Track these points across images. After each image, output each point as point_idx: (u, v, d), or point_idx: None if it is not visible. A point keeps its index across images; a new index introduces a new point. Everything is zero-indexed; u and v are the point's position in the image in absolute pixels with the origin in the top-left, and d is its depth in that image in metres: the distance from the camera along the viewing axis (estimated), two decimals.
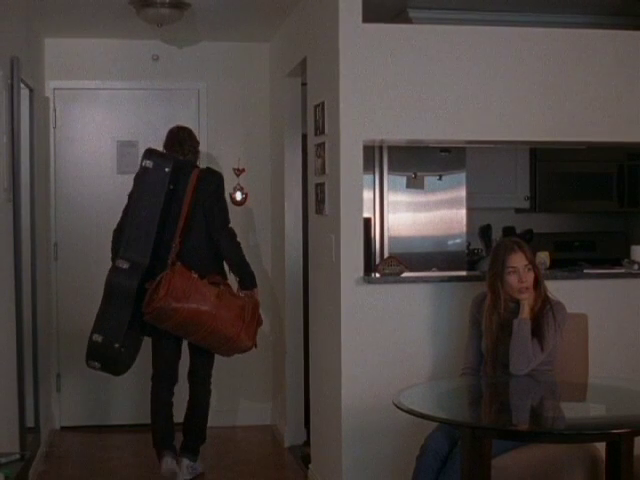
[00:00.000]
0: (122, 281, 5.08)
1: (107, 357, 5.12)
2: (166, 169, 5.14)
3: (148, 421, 6.50)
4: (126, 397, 6.56)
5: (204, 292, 5.09)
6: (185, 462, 5.39)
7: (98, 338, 5.08)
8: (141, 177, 5.20)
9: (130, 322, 5.12)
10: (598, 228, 7.29)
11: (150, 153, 5.23)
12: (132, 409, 6.55)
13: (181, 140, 5.41)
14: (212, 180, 5.34)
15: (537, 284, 4.14)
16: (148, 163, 5.16)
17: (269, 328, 6.55)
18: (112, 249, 5.32)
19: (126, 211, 5.28)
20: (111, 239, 5.35)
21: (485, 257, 6.37)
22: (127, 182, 6.13)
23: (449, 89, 4.67)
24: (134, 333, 5.20)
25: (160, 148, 5.50)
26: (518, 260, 4.11)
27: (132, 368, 5.34)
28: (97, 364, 5.16)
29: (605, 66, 4.81)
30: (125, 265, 5.08)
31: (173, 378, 5.41)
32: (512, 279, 4.11)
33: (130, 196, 5.31)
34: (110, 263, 5.44)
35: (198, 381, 5.44)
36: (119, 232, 5.26)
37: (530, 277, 4.12)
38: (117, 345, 5.07)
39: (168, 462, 5.31)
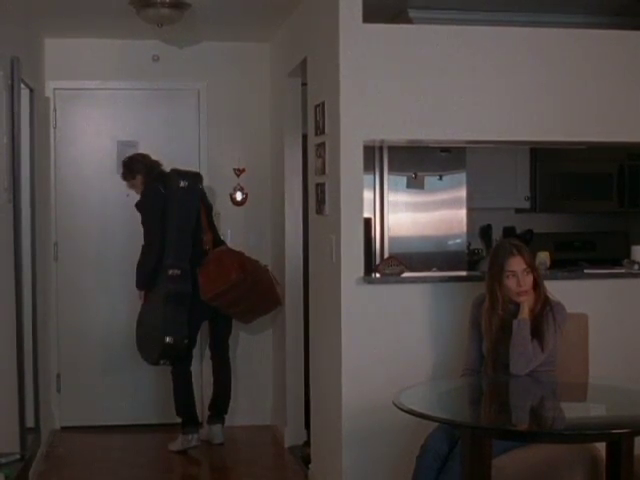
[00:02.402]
0: (179, 287, 5.73)
1: (178, 353, 5.79)
2: (200, 186, 5.90)
3: (148, 421, 6.55)
4: (126, 397, 6.55)
5: (256, 264, 5.98)
6: (219, 427, 6.04)
7: (170, 340, 5.69)
8: (179, 196, 5.77)
9: None
10: (598, 228, 7.28)
11: (182, 174, 5.84)
12: (132, 409, 6.55)
13: (154, 164, 5.94)
14: (200, 180, 6.00)
15: (536, 286, 4.12)
16: (184, 184, 5.79)
17: (269, 328, 6.55)
18: (148, 259, 5.77)
19: (151, 223, 5.74)
20: (142, 250, 5.80)
21: (485, 257, 6.36)
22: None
23: (449, 89, 4.67)
24: None
25: (160, 148, 6.21)
26: (516, 264, 4.08)
27: (131, 369, 6.32)
28: (168, 361, 5.82)
29: (605, 66, 4.80)
30: (177, 272, 5.72)
31: (191, 358, 6.02)
32: (510, 283, 4.08)
33: (153, 210, 5.75)
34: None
35: (224, 355, 6.12)
36: (156, 245, 5.72)
37: (529, 280, 4.09)
38: (186, 341, 5.77)
39: (194, 438, 5.92)
